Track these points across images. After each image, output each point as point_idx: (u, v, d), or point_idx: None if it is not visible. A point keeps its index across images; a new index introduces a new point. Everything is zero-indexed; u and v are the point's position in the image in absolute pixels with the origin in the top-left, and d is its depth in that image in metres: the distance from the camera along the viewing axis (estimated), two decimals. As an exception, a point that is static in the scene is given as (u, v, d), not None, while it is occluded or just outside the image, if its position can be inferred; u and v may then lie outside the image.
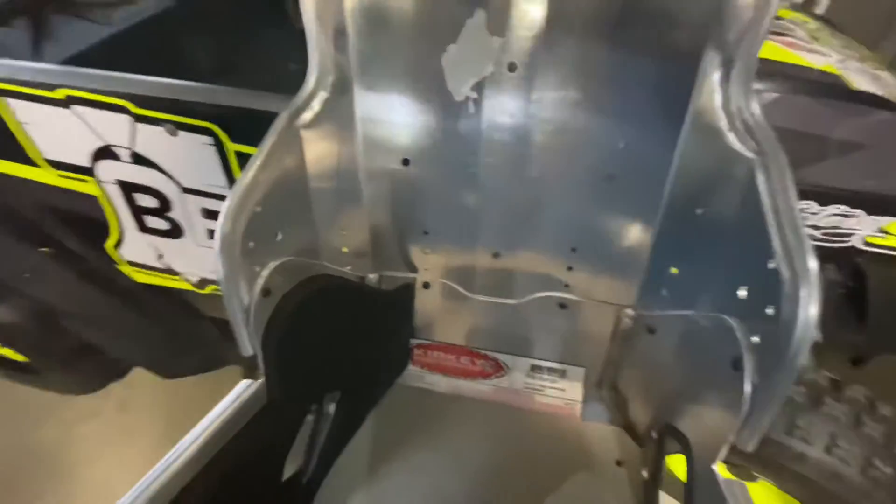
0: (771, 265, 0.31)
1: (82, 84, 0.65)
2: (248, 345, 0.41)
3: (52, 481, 1.26)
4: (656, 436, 0.50)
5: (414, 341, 0.65)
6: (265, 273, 0.41)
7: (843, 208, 0.61)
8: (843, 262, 0.69)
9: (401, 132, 0.49)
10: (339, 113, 0.47)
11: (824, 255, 0.67)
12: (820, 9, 1.87)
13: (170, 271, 0.93)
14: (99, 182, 0.79)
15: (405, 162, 0.51)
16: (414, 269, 0.61)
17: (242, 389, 0.42)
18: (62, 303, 1.03)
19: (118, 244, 0.91)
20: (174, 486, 0.36)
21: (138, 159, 0.74)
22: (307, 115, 0.44)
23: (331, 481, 0.54)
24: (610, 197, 0.48)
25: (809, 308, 0.28)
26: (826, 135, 0.70)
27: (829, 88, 0.77)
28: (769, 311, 0.31)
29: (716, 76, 0.39)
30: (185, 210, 0.80)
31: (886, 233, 0.65)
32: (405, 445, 0.58)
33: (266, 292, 0.41)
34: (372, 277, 0.59)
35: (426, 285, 0.61)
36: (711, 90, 0.39)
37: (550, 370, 0.62)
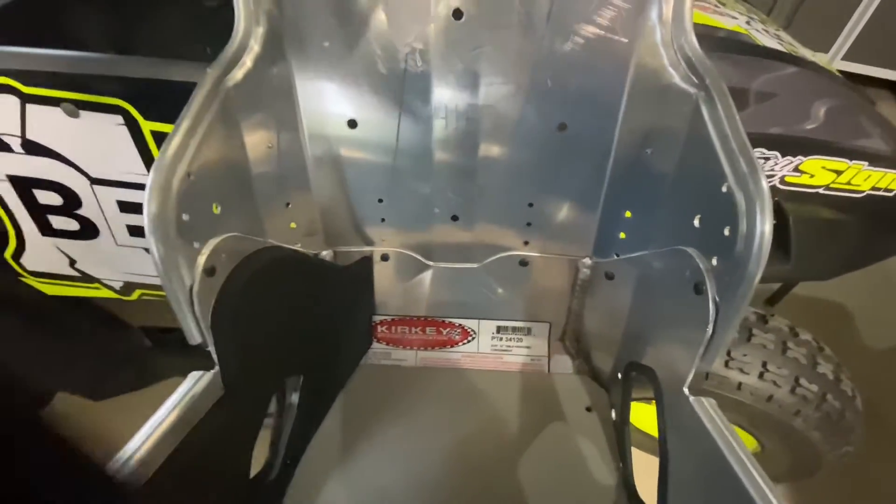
0: (724, 189, 0.33)
1: (-50, 61, 0.55)
2: (194, 332, 0.37)
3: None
4: (621, 377, 0.52)
5: (376, 317, 0.63)
6: (206, 250, 0.37)
7: (761, 150, 0.67)
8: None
9: (344, 90, 0.45)
10: (274, 70, 0.42)
11: (750, 196, 0.72)
12: (721, -20, 2.04)
13: (86, 279, 0.83)
14: None
15: (352, 123, 0.48)
16: (370, 242, 0.58)
17: (193, 382, 0.38)
18: (-45, 329, 0.89)
19: (19, 253, 0.79)
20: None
21: (33, 148, 0.64)
22: (238, 73, 0.40)
23: (302, 472, 0.51)
24: (562, 147, 0.49)
25: (766, 223, 0.30)
26: (742, 86, 0.75)
27: (741, 45, 0.84)
28: (726, 232, 0.32)
29: (654, 13, 0.40)
30: (98, 205, 0.71)
31: (802, 172, 0.72)
32: (377, 425, 0.56)
33: (210, 271, 0.37)
34: (326, 254, 0.56)
35: (384, 257, 0.59)
36: (653, 30, 0.40)
37: (516, 329, 0.63)
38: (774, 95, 0.74)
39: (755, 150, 0.72)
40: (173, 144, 0.35)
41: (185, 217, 0.35)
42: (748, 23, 0.98)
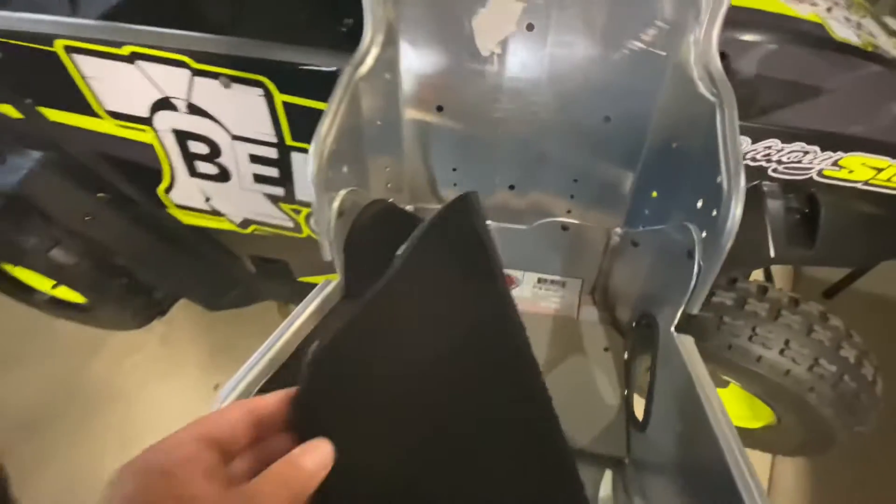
0: (718, 180, 0.44)
1: (148, 41, 0.74)
2: (329, 252, 0.54)
3: (108, 405, 1.43)
4: (635, 325, 0.64)
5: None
6: (339, 197, 0.54)
7: (801, 145, 0.72)
8: (801, 192, 0.81)
9: (436, 83, 0.59)
10: (387, 66, 0.57)
11: (786, 186, 0.79)
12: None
13: (215, 213, 1.03)
14: (156, 131, 0.88)
15: (439, 108, 0.62)
16: (443, 202, 0.73)
17: (323, 286, 0.55)
18: (117, 244, 1.15)
19: (169, 189, 1.01)
20: (263, 375, 0.40)
21: (194, 110, 0.82)
22: (363, 69, 0.55)
23: None
24: (606, 136, 0.60)
25: (738, 209, 0.41)
26: (793, 79, 0.79)
27: (810, 38, 0.85)
28: (714, 213, 0.44)
29: (691, 38, 0.49)
30: (234, 156, 0.89)
31: (841, 167, 0.76)
32: None
33: (340, 213, 0.54)
34: (409, 209, 0.72)
35: (452, 214, 0.74)
36: (688, 48, 0.50)
37: (553, 282, 0.76)
38: (828, 91, 0.77)
39: (795, 143, 0.79)
40: (324, 124, 0.50)
41: (329, 174, 0.51)
42: (829, 10, 0.97)
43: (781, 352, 0.90)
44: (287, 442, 0.25)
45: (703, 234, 0.46)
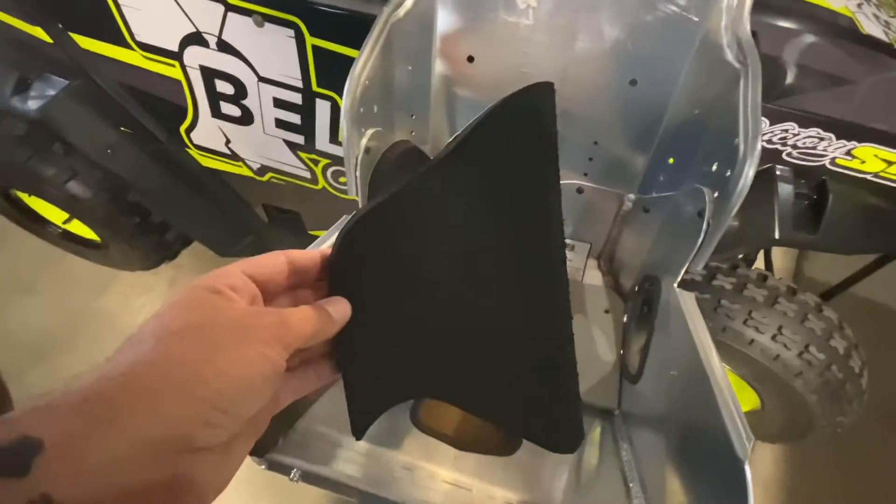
0: (735, 142, 0.46)
1: (185, -29, 0.74)
2: (353, 188, 0.56)
3: (115, 340, 1.46)
4: (637, 288, 0.67)
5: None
6: (367, 134, 0.56)
7: (817, 131, 0.74)
8: (811, 179, 0.82)
9: (470, 32, 0.60)
10: (423, 11, 0.58)
11: (799, 171, 0.80)
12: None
13: (234, 157, 1.04)
14: (183, 67, 0.88)
15: (470, 59, 0.63)
16: (463, 156, 0.74)
17: (346, 219, 0.58)
18: (135, 180, 1.16)
19: (191, 128, 1.01)
20: None
21: (223, 47, 0.82)
22: (400, 12, 0.56)
23: None
24: (630, 99, 0.61)
25: (751, 170, 0.43)
26: (822, 69, 0.80)
27: (839, 29, 0.85)
28: (728, 173, 0.46)
29: (724, 3, 0.50)
30: (258, 98, 0.89)
31: (854, 156, 0.78)
32: None
33: (367, 150, 0.56)
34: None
35: (471, 170, 0.75)
36: (720, 15, 0.51)
37: (562, 244, 0.78)
38: (850, 82, 0.78)
39: (811, 129, 0.80)
40: (360, 63, 0.52)
41: (360, 110, 0.53)
42: (859, 6, 0.96)
43: (774, 337, 0.93)
44: (317, 294, 0.29)
45: (715, 195, 0.48)
